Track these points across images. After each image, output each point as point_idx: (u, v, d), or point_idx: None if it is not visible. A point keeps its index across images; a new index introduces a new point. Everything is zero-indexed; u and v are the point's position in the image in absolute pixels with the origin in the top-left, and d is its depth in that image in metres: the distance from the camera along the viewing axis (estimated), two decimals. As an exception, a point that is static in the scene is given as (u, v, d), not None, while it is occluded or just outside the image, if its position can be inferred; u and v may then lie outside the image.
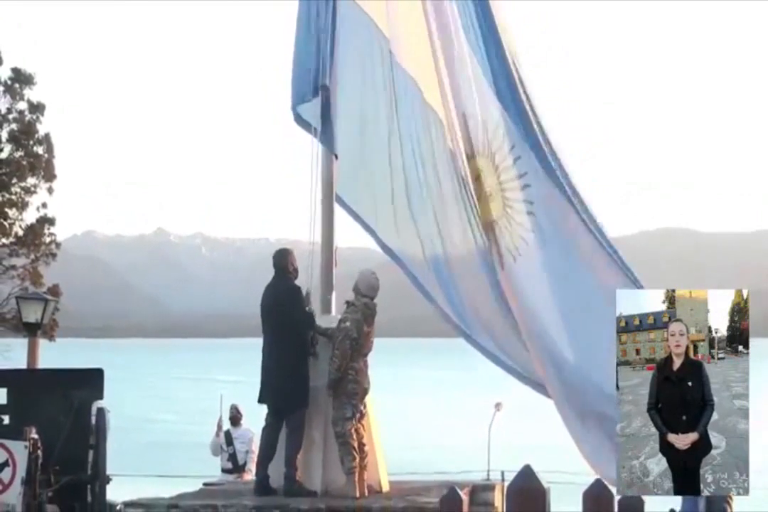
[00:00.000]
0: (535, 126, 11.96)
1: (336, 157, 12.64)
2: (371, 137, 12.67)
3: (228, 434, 18.14)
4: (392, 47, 12.66)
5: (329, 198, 12.52)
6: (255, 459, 13.99)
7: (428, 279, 12.18)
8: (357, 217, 12.43)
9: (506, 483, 10.48)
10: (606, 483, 7.89)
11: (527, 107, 12.01)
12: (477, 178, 12.03)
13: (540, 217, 11.83)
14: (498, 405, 19.20)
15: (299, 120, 12.76)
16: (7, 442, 10.26)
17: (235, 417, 18.25)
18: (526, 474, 7.82)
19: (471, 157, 12.10)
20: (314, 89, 12.64)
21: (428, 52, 12.48)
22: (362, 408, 11.73)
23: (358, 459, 11.51)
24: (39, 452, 10.34)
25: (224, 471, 18.05)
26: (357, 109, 12.76)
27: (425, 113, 12.45)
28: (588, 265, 11.73)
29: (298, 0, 12.77)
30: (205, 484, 14.36)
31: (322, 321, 11.97)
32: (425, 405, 67.57)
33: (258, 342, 11.98)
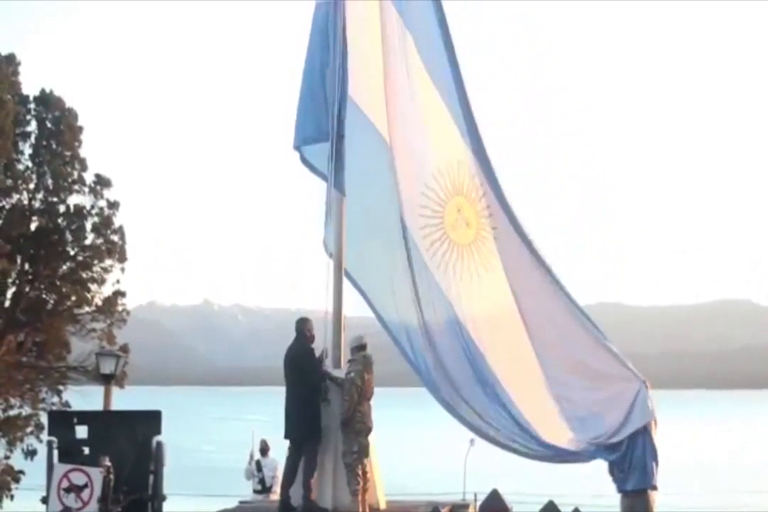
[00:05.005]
0: (493, 166, 11.73)
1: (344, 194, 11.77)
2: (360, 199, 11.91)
3: (258, 462, 17.98)
4: (357, 100, 11.61)
5: (339, 275, 12.08)
6: (279, 482, 13.84)
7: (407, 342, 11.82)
8: (358, 288, 12.12)
9: (478, 503, 10.33)
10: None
11: (486, 150, 11.72)
12: (459, 210, 11.87)
13: (499, 242, 11.74)
14: (472, 441, 18.92)
15: (304, 160, 11.92)
16: (87, 468, 10.31)
17: (264, 449, 18.11)
18: (494, 496, 7.80)
19: (452, 195, 11.83)
20: (320, 134, 11.63)
21: (397, 104, 11.74)
22: (366, 443, 11.53)
23: (361, 483, 11.35)
24: (111, 476, 10.35)
25: (255, 492, 17.86)
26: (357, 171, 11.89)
27: (390, 175, 11.78)
28: (534, 283, 11.57)
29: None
30: (240, 502, 14.17)
31: (335, 373, 11.82)
32: (414, 440, 66.86)
33: (280, 390, 11.88)
